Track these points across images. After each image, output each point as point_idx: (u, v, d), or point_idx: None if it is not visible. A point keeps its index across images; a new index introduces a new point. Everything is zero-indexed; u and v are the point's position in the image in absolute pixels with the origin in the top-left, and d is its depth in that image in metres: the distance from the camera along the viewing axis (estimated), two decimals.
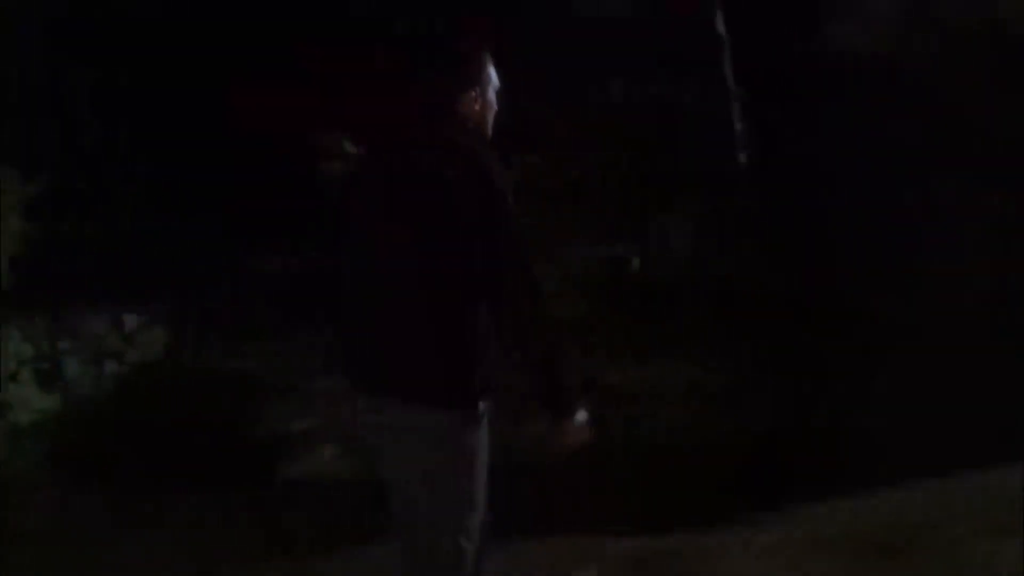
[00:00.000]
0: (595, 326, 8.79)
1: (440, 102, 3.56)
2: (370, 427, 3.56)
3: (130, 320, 8.88)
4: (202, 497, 6.90)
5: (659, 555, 5.66)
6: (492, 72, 3.62)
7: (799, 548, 5.47)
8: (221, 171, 9.21)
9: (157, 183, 9.50)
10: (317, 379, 8.02)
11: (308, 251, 8.75)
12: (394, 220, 3.45)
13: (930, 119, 8.32)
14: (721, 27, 8.67)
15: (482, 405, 3.45)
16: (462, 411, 3.43)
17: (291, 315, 8.69)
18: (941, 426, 6.39)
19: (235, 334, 8.87)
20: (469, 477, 3.47)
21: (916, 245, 8.48)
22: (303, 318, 8.40)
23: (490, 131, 3.63)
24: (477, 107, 3.59)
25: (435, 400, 3.41)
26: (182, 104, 9.25)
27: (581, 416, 3.44)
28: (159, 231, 9.23)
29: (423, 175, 3.43)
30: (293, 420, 8.01)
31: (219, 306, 9.15)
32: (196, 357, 8.73)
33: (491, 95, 3.63)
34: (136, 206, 9.42)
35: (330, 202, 3.78)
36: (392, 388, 3.46)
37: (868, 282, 8.52)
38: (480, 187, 3.37)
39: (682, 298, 8.79)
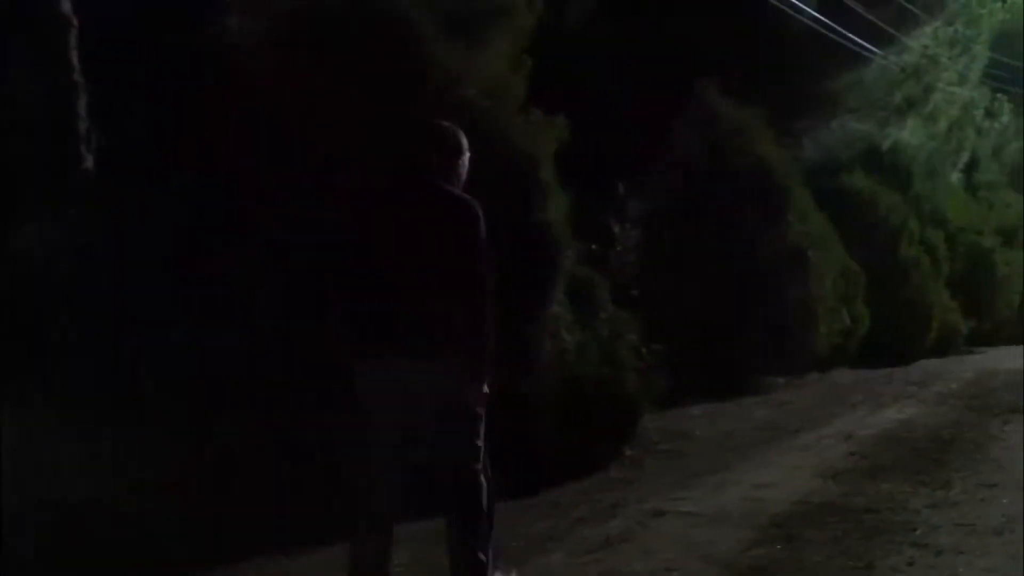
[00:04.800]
0: None
1: (445, 165, 5.37)
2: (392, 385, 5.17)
3: None
4: None
5: None
6: (466, 143, 5.47)
7: None
8: None
9: None
10: None
11: None
12: (416, 242, 5.18)
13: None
14: (67, 6, 7.09)
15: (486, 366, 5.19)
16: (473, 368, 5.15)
17: None
18: None
19: None
20: (477, 419, 5.21)
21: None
22: None
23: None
24: (462, 168, 5.45)
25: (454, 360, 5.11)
26: None
27: (486, 387, 5.21)
28: None
29: (435, 212, 5.26)
30: None
31: None
32: None
33: (466, 159, 5.47)
34: None
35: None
36: (420, 354, 5.13)
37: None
38: (468, 240, 5.18)
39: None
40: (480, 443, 5.20)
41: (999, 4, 33.47)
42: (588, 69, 12.77)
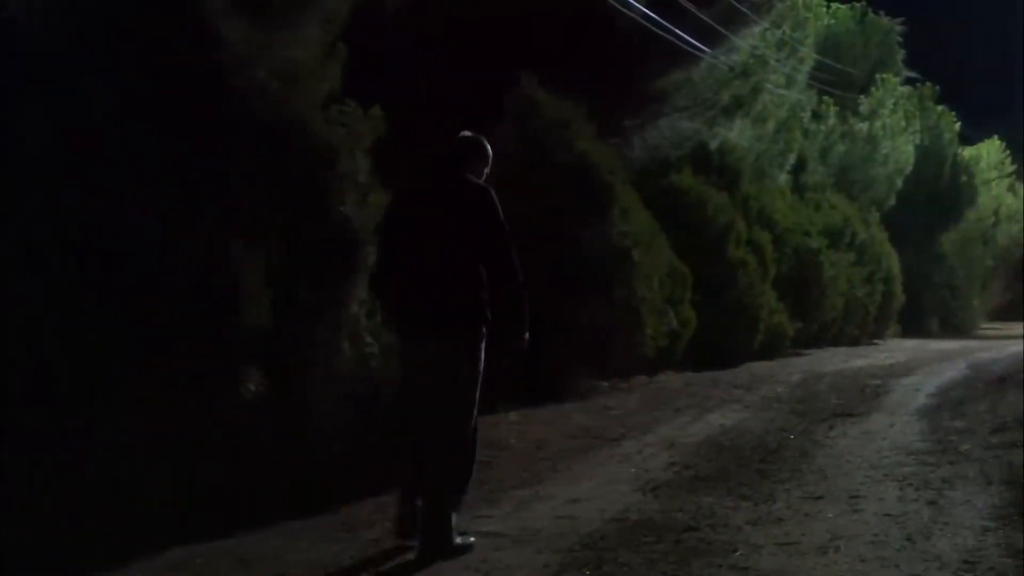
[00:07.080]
0: None
1: (471, 171, 6.77)
2: (412, 357, 6.73)
3: None
4: None
5: None
6: (489, 152, 6.95)
7: None
8: None
9: None
10: None
11: None
12: (443, 231, 6.55)
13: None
14: None
15: (482, 337, 6.57)
16: (473, 341, 6.56)
17: None
18: None
19: None
20: (476, 382, 6.60)
21: None
22: None
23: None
24: (487, 172, 6.91)
25: (457, 335, 6.54)
26: None
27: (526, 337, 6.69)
28: None
29: (461, 205, 6.59)
30: None
31: None
32: None
33: (486, 160, 6.93)
34: None
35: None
36: (432, 331, 6.55)
37: None
38: (487, 211, 6.54)
39: None
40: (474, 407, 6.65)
41: (825, 8, 33.86)
42: (407, 59, 12.20)
